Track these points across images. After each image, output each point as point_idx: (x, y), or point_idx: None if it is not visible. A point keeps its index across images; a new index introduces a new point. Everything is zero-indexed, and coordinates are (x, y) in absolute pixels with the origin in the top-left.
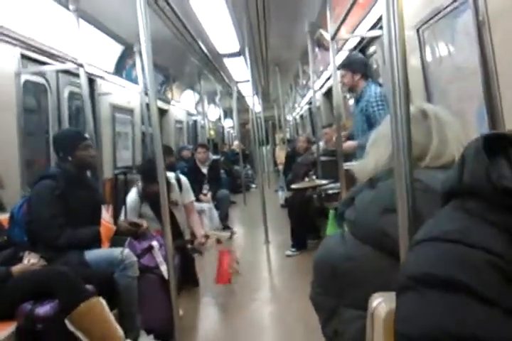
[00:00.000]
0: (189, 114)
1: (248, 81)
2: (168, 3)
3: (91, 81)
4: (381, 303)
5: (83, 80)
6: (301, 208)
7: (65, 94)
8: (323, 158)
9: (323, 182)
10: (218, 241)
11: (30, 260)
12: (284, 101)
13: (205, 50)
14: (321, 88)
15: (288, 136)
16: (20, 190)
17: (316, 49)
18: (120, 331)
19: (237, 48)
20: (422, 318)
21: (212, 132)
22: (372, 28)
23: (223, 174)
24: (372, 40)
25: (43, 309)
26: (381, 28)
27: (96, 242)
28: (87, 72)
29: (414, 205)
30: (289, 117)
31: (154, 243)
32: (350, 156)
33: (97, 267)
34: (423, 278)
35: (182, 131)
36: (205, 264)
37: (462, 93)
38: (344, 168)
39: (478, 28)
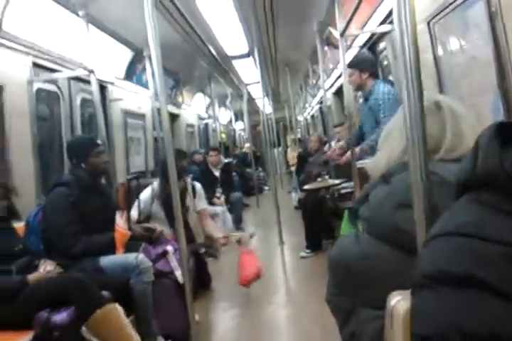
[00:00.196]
0: (200, 118)
1: (258, 82)
2: (176, 7)
3: (102, 87)
4: (400, 301)
5: (94, 86)
6: (314, 209)
7: (77, 101)
8: None
9: (336, 181)
10: (239, 241)
11: (46, 268)
12: (295, 101)
13: (214, 53)
14: (331, 87)
15: (299, 136)
16: (36, 198)
17: (326, 48)
18: (137, 337)
19: (245, 50)
20: (437, 317)
21: (223, 135)
22: (382, 23)
23: (235, 177)
24: (381, 36)
25: (60, 316)
26: (391, 23)
27: (111, 248)
28: (98, 79)
29: (430, 199)
30: (300, 118)
31: (169, 248)
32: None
33: (112, 273)
34: (437, 275)
35: (193, 135)
36: (220, 268)
37: (476, 86)
38: (357, 167)
39: (490, 19)
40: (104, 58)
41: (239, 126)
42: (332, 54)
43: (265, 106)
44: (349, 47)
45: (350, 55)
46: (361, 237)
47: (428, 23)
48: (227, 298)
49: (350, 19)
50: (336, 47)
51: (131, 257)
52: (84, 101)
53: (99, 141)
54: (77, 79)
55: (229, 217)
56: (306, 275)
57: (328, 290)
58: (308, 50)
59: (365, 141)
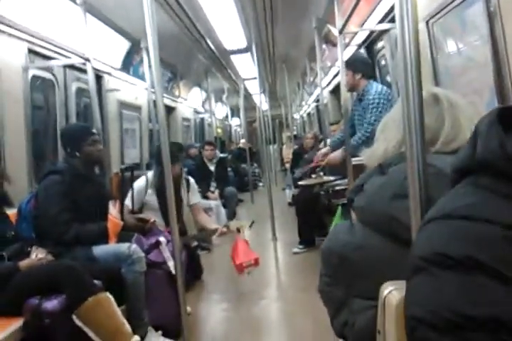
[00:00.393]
0: (196, 112)
1: (255, 78)
2: None
3: (98, 77)
4: (392, 292)
5: (90, 75)
6: (308, 205)
7: (73, 89)
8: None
9: (331, 178)
10: (238, 230)
11: (38, 255)
12: (292, 99)
13: (213, 46)
14: (328, 85)
15: (295, 133)
16: (28, 185)
17: (324, 45)
18: (128, 326)
19: (244, 44)
20: (434, 299)
21: (219, 130)
22: (381, 22)
23: (230, 172)
24: (380, 35)
25: (51, 304)
26: (390, 21)
27: (103, 238)
28: (94, 68)
29: (426, 190)
30: (297, 115)
31: (162, 238)
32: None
33: (105, 262)
34: (435, 258)
35: (189, 129)
36: (213, 261)
37: (472, 85)
38: (352, 164)
39: (489, 19)
40: (101, 48)
41: (235, 122)
42: (330, 52)
43: (262, 102)
44: (347, 45)
45: (348, 53)
46: (355, 227)
47: (427, 23)
48: (219, 291)
49: (349, 16)
50: (334, 45)
51: (124, 247)
52: (79, 90)
53: (94, 130)
54: (73, 67)
55: (223, 211)
56: (298, 270)
57: (320, 280)
58: (306, 47)
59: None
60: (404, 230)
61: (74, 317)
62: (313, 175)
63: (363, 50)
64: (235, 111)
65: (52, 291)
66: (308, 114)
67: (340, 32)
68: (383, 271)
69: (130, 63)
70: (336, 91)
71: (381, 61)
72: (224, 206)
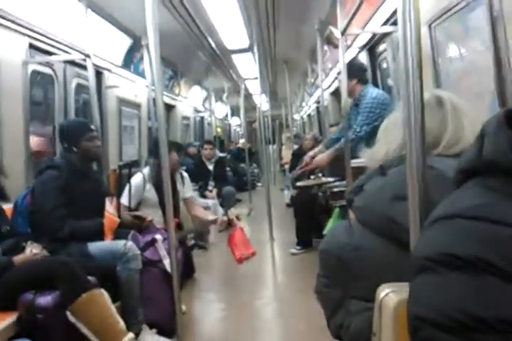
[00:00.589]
0: (196, 111)
1: (256, 78)
2: None
3: (98, 74)
4: (389, 294)
5: (90, 71)
6: (306, 206)
7: (72, 85)
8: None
9: (329, 179)
10: (238, 218)
11: (33, 250)
12: (292, 100)
13: (214, 45)
14: (329, 87)
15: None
16: (25, 180)
17: (325, 47)
18: (122, 324)
19: (246, 44)
20: (442, 300)
21: (219, 129)
22: (383, 24)
23: (229, 172)
24: (382, 38)
25: (44, 299)
26: (392, 24)
27: (99, 234)
28: (94, 64)
29: (426, 193)
30: (297, 116)
31: (158, 236)
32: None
33: (100, 259)
34: (443, 258)
35: (189, 128)
36: (209, 260)
37: (473, 90)
38: (351, 166)
39: (492, 24)
40: (101, 44)
41: (235, 122)
42: (332, 53)
43: (262, 102)
44: (349, 47)
45: (349, 55)
46: (354, 228)
47: (429, 26)
48: (215, 290)
49: (352, 18)
50: (336, 46)
51: (120, 244)
52: (79, 86)
53: (92, 126)
54: (73, 63)
55: (220, 210)
56: (295, 271)
57: (317, 281)
58: (307, 49)
59: (336, 145)
60: (402, 232)
61: (68, 313)
62: (312, 177)
63: (364, 53)
64: (235, 111)
65: (47, 287)
66: (309, 116)
67: (342, 33)
68: (381, 273)
69: (131, 60)
70: (336, 93)
71: (382, 64)
72: (221, 205)
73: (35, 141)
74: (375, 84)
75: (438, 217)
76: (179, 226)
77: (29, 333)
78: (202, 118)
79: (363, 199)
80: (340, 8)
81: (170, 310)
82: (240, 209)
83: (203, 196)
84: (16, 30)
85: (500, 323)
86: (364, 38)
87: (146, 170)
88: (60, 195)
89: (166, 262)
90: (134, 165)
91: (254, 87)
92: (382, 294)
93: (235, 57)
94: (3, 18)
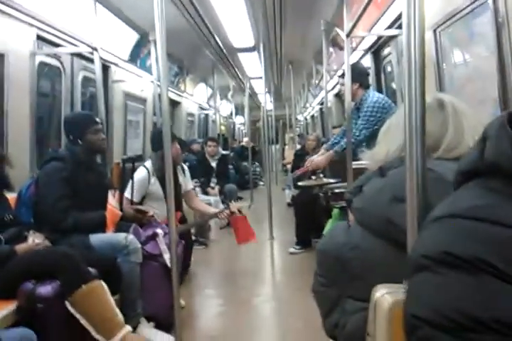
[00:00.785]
0: (201, 108)
1: (261, 77)
2: None
3: (105, 68)
4: (384, 295)
5: (97, 65)
6: (307, 206)
7: (79, 78)
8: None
9: (331, 180)
10: (239, 210)
11: (35, 240)
12: (296, 100)
13: (220, 43)
14: (333, 88)
15: (300, 132)
16: (30, 171)
17: (331, 48)
18: (120, 316)
19: (252, 43)
20: (440, 300)
21: (222, 127)
22: (389, 27)
23: (232, 170)
24: (387, 41)
25: (45, 289)
26: (398, 27)
27: (101, 226)
28: (101, 58)
29: (424, 195)
30: (300, 117)
31: (159, 231)
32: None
33: (101, 251)
34: (441, 257)
35: (193, 125)
36: (209, 257)
37: (476, 96)
38: (352, 167)
39: (497, 30)
40: (109, 38)
41: (239, 120)
42: (337, 55)
43: (266, 102)
44: (354, 49)
45: (354, 58)
46: (352, 228)
47: (434, 31)
48: (214, 286)
49: (358, 20)
50: (341, 48)
51: (121, 237)
52: (85, 79)
53: (97, 119)
54: (81, 56)
55: (222, 207)
56: (293, 270)
57: (315, 280)
58: (313, 50)
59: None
60: (400, 233)
61: (67, 303)
62: (313, 177)
63: (369, 56)
64: (239, 110)
65: (47, 277)
66: (312, 117)
67: (348, 35)
68: (378, 273)
69: (138, 55)
70: (340, 95)
71: (387, 67)
72: (223, 203)
73: None
74: (379, 88)
75: (438, 216)
76: (182, 220)
77: (28, 322)
78: (206, 115)
79: (362, 200)
80: (347, 10)
81: (168, 304)
82: (241, 202)
83: (205, 193)
84: (24, 21)
85: (497, 324)
86: (369, 41)
87: (149, 164)
88: (64, 187)
89: (166, 256)
90: (137, 160)
91: (259, 86)
92: (378, 294)
93: (240, 56)
94: (12, 8)
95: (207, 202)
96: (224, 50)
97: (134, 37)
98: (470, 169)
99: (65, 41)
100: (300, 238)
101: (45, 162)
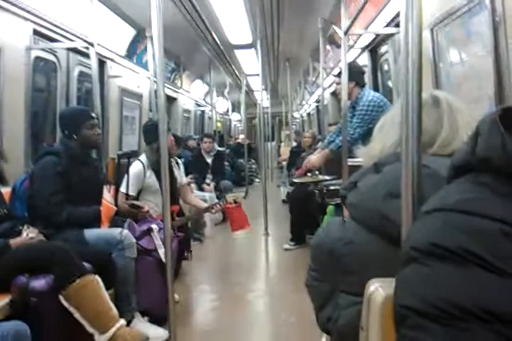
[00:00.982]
0: (197, 105)
1: (258, 75)
2: None
3: (101, 63)
4: (378, 289)
5: (93, 60)
6: (302, 203)
7: (75, 73)
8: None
9: (326, 177)
10: (235, 201)
11: (29, 234)
12: (293, 98)
13: (217, 40)
14: (330, 86)
15: (297, 129)
16: (24, 165)
17: (328, 46)
18: (115, 310)
19: (249, 40)
20: (427, 290)
21: (219, 124)
22: (387, 26)
23: (227, 166)
24: (384, 39)
25: (38, 283)
26: (395, 26)
27: (96, 221)
28: (97, 53)
29: (419, 191)
30: (296, 114)
31: (154, 226)
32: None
33: (96, 246)
34: (430, 249)
35: (189, 121)
36: (204, 252)
37: (473, 94)
38: (348, 165)
39: (494, 29)
40: (105, 33)
41: (235, 117)
42: (334, 53)
43: (263, 99)
44: (351, 47)
45: (352, 55)
46: (347, 223)
47: (431, 30)
48: (209, 281)
49: (355, 18)
50: (338, 46)
51: (116, 232)
52: (81, 75)
53: (93, 114)
54: (77, 52)
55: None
56: (287, 266)
57: (308, 274)
58: (310, 47)
59: (331, 145)
60: (395, 229)
61: (61, 297)
62: (309, 174)
63: (366, 54)
64: (235, 106)
65: (41, 270)
66: (308, 114)
67: (345, 33)
68: (372, 268)
69: (134, 51)
70: (337, 94)
71: (384, 65)
72: (218, 199)
73: None
74: (376, 86)
75: (428, 210)
76: (180, 213)
77: (22, 316)
78: (203, 112)
79: (356, 196)
80: (344, 7)
81: (163, 299)
82: (235, 194)
83: (201, 189)
84: (20, 16)
85: (484, 313)
86: (366, 39)
87: (143, 158)
88: (58, 181)
89: (161, 251)
90: (133, 155)
91: (256, 83)
92: (372, 288)
93: (237, 53)
94: (9, 2)
95: (202, 198)
96: (221, 47)
97: (130, 32)
98: (462, 164)
99: (61, 36)
100: (295, 234)
101: (39, 156)
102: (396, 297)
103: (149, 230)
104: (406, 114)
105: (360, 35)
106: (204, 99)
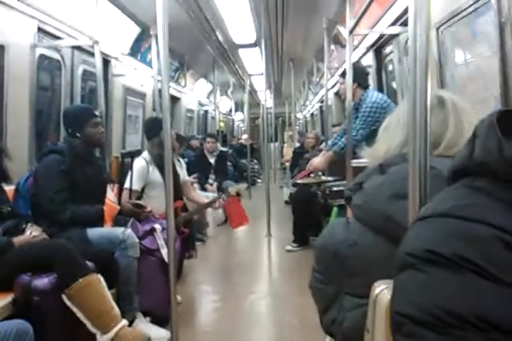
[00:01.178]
0: (200, 104)
1: (261, 74)
2: None
3: (105, 62)
4: (384, 291)
5: (98, 58)
6: (304, 204)
7: (79, 71)
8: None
9: (329, 178)
10: (238, 193)
11: (33, 232)
12: (296, 98)
13: (221, 39)
14: (333, 86)
15: (300, 129)
16: (28, 163)
17: (332, 46)
18: (117, 310)
19: (253, 39)
20: (423, 297)
21: (222, 124)
22: (392, 25)
23: (230, 166)
24: (389, 39)
25: (41, 282)
26: (401, 25)
27: (99, 220)
28: (102, 52)
29: (425, 192)
30: (300, 115)
31: (157, 226)
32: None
33: (99, 245)
34: (425, 255)
35: (192, 120)
36: (206, 253)
37: (478, 94)
38: (352, 166)
39: (500, 29)
40: (110, 31)
41: (238, 117)
42: (338, 53)
43: (266, 99)
44: (356, 47)
45: (356, 55)
46: (351, 224)
47: (437, 30)
48: (211, 282)
49: (360, 17)
50: (343, 46)
51: (119, 231)
52: (85, 73)
53: (96, 112)
54: (81, 50)
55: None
56: (290, 268)
57: (312, 276)
58: (314, 47)
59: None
60: (400, 230)
61: (63, 296)
62: (312, 175)
63: (371, 54)
64: (239, 106)
65: (44, 269)
66: (312, 115)
67: (350, 33)
68: (376, 270)
69: (138, 49)
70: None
71: (388, 66)
72: (220, 191)
73: None
74: (380, 86)
75: (423, 215)
76: (184, 209)
77: (24, 314)
78: (206, 111)
79: (361, 197)
80: (349, 7)
81: (165, 299)
82: (238, 186)
83: (204, 189)
84: (25, 13)
85: (480, 321)
86: (371, 39)
87: (146, 154)
88: (62, 180)
89: (164, 251)
90: (136, 154)
91: (259, 83)
92: (377, 290)
93: (241, 52)
94: None
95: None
96: (225, 46)
97: (135, 30)
98: (459, 168)
99: (65, 34)
100: (297, 236)
101: (43, 155)
102: (392, 304)
103: (152, 230)
104: (413, 114)
105: (365, 35)
106: (207, 98)
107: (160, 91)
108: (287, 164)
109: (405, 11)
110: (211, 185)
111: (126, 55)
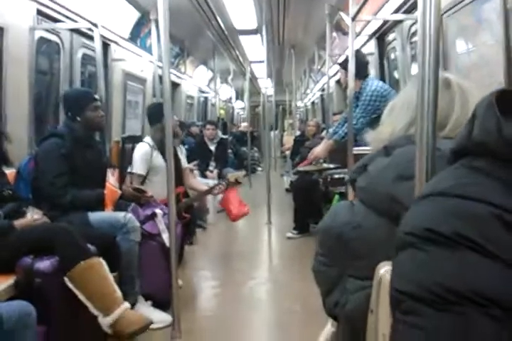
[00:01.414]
0: (201, 91)
1: (262, 61)
2: None
3: (105, 46)
4: (388, 272)
5: (97, 42)
6: (305, 191)
7: (79, 55)
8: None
9: (330, 166)
10: (237, 180)
11: (34, 216)
12: (297, 86)
13: (222, 24)
14: (335, 74)
15: (301, 117)
16: (28, 147)
17: (334, 33)
18: (119, 293)
19: (254, 25)
20: (422, 274)
21: (222, 111)
22: (395, 12)
23: (230, 154)
24: (392, 27)
25: (43, 264)
26: (404, 12)
27: (100, 205)
28: (101, 35)
29: (433, 174)
30: (300, 103)
31: (158, 210)
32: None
33: (100, 229)
34: (425, 234)
35: (192, 107)
36: (207, 239)
37: (483, 80)
38: (353, 153)
39: (505, 16)
40: (109, 15)
41: (238, 105)
42: (340, 40)
43: (267, 87)
44: (358, 34)
45: (359, 43)
46: (355, 207)
47: (441, 17)
48: (211, 268)
49: (364, 4)
50: (345, 33)
51: (120, 215)
52: (85, 57)
53: (96, 96)
54: (81, 33)
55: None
56: (290, 255)
57: (315, 259)
58: (316, 34)
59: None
60: (404, 212)
61: (66, 279)
62: (313, 162)
63: (373, 41)
64: (239, 94)
65: (46, 252)
66: (313, 103)
67: (353, 19)
68: (380, 252)
69: (138, 34)
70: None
71: (391, 53)
72: (219, 178)
73: None
74: (382, 74)
75: (425, 194)
76: (185, 195)
77: (27, 296)
78: (206, 98)
79: (366, 179)
80: None
81: (166, 284)
82: (236, 172)
83: (204, 176)
84: None
85: (477, 297)
86: (373, 26)
87: (148, 139)
88: (62, 164)
89: (165, 236)
90: (137, 140)
91: (260, 70)
92: (382, 271)
93: (242, 39)
94: None
95: (205, 185)
96: (225, 32)
97: (134, 15)
98: (459, 148)
99: (65, 17)
100: (298, 223)
101: (43, 138)
102: (392, 281)
103: (153, 215)
104: (421, 96)
105: (368, 22)
106: (208, 86)
107: (160, 77)
108: (288, 152)
109: None
110: (211, 172)
111: (126, 39)
